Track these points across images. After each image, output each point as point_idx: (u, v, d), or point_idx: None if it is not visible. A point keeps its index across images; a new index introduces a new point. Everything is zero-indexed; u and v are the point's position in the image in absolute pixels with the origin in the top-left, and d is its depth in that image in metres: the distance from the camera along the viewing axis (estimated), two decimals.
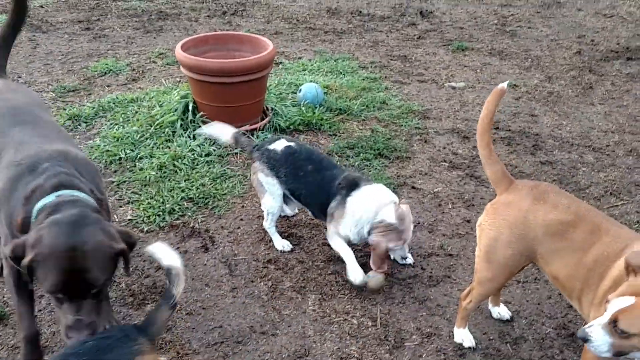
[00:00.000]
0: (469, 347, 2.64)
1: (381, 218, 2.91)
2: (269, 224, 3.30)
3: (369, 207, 2.94)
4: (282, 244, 3.29)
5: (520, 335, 2.74)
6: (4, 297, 2.87)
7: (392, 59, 6.37)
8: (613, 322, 1.81)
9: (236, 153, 4.22)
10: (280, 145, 3.21)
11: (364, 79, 5.64)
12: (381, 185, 3.09)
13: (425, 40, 7.08)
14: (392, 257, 3.15)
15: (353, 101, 5.05)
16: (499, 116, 4.98)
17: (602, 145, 4.57)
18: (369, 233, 2.95)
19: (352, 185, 3.00)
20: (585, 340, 1.86)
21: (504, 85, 2.42)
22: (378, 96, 5.22)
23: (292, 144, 3.24)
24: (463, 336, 2.66)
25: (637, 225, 3.57)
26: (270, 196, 3.22)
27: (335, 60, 6.14)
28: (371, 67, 6.08)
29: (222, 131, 3.47)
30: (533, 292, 3.02)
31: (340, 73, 5.79)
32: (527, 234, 2.27)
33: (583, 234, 2.19)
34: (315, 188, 3.09)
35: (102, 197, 2.33)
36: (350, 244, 3.06)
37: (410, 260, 3.19)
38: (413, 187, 3.94)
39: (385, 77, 5.83)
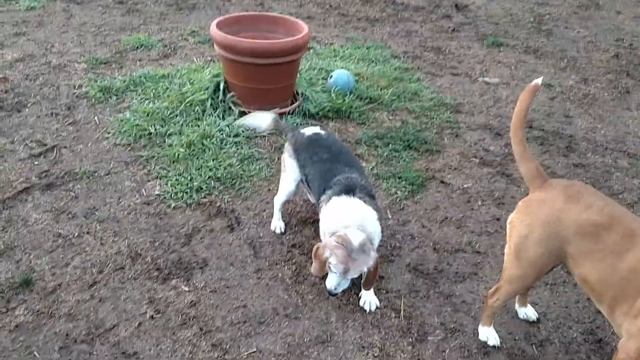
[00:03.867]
0: (494, 346, 2.60)
1: (347, 232, 2.61)
2: (276, 201, 3.29)
3: (345, 215, 2.68)
4: (276, 225, 3.29)
5: (546, 338, 2.69)
6: (30, 262, 2.90)
7: (425, 50, 6.28)
8: None
9: (264, 136, 4.19)
10: (310, 131, 3.17)
11: (396, 69, 5.56)
12: (374, 212, 2.74)
13: (460, 33, 6.96)
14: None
15: (384, 90, 4.99)
16: (532, 115, 4.89)
17: (638, 151, 4.46)
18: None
19: (347, 188, 2.77)
20: None
21: (539, 81, 2.37)
22: (410, 87, 5.14)
23: (321, 132, 3.18)
24: (488, 334, 2.62)
25: None
26: (287, 177, 3.20)
27: (367, 48, 6.06)
28: (404, 57, 6.00)
29: (262, 119, 3.47)
30: (561, 295, 2.96)
31: (372, 61, 5.72)
32: (559, 233, 2.21)
33: (617, 237, 2.12)
34: (319, 175, 2.94)
35: None
36: None
37: (371, 307, 2.79)
38: (442, 182, 3.88)
39: (418, 68, 5.74)
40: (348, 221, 2.66)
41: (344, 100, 4.64)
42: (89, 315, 2.62)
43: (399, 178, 3.84)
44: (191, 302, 2.74)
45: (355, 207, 2.71)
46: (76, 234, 3.12)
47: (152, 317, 2.64)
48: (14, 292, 2.71)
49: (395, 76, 5.36)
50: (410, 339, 2.63)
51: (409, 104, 4.87)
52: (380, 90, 5.01)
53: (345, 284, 2.67)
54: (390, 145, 4.21)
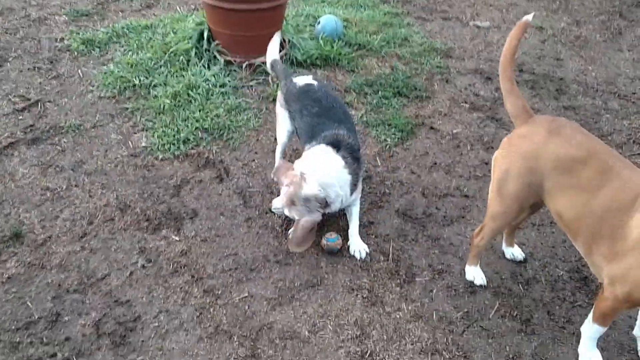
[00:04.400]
0: (480, 285, 2.65)
1: (309, 177, 2.59)
2: (277, 152, 3.29)
3: (319, 164, 2.64)
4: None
5: (532, 277, 2.74)
6: (19, 216, 2.90)
7: None
8: None
9: (251, 86, 4.13)
10: (302, 81, 3.07)
11: (385, 14, 5.43)
12: (348, 176, 2.68)
13: None
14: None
15: (373, 36, 4.89)
16: (523, 58, 4.82)
17: (628, 93, 4.43)
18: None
19: (333, 143, 2.71)
20: None
21: (529, 17, 2.34)
22: (399, 32, 5.04)
23: (314, 82, 3.04)
24: (474, 274, 2.67)
25: None
26: (280, 128, 3.17)
27: None
28: (393, 1, 5.85)
29: (269, 52, 3.37)
30: (548, 235, 3.00)
31: (361, 6, 5.58)
32: (537, 167, 2.22)
33: (591, 173, 2.11)
34: (307, 128, 2.87)
35: None
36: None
37: (361, 254, 2.78)
38: (431, 128, 3.86)
39: (408, 12, 5.61)
40: (318, 169, 2.62)
41: (332, 47, 4.54)
42: (80, 266, 2.64)
43: (389, 125, 3.82)
44: (182, 251, 2.77)
45: (332, 163, 2.65)
46: (64, 187, 3.11)
47: (143, 266, 2.66)
48: (4, 245, 2.72)
49: (385, 21, 5.25)
50: (398, 281, 2.68)
51: (398, 50, 4.79)
52: (370, 36, 4.91)
53: (283, 212, 2.75)
54: (379, 92, 4.16)
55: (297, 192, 2.58)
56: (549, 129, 2.25)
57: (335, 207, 2.71)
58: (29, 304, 2.44)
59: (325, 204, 2.63)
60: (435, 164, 3.52)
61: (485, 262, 2.78)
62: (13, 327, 2.34)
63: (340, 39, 4.73)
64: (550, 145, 2.20)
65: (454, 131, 3.83)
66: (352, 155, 2.73)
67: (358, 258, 2.79)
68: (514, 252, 2.82)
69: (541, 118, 2.35)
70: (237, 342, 2.33)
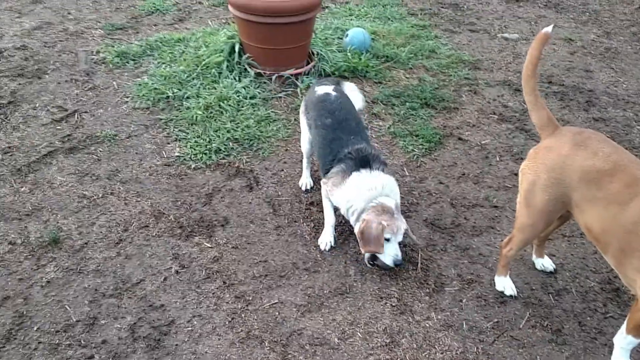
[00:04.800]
0: (510, 295, 2.64)
1: (380, 202, 2.67)
2: (303, 162, 3.33)
3: (371, 190, 2.68)
4: (303, 182, 3.35)
5: (563, 288, 2.72)
6: (57, 222, 3.00)
7: (442, 7, 6.15)
8: None
9: (280, 97, 4.20)
10: (322, 89, 3.13)
11: (412, 26, 5.48)
12: (393, 178, 2.81)
13: None
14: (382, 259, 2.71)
15: (401, 48, 4.93)
16: (552, 70, 4.80)
17: None
18: (359, 216, 2.70)
19: (362, 161, 2.75)
20: None
21: (549, 29, 2.35)
22: (427, 44, 5.07)
23: (331, 93, 3.06)
24: (504, 284, 2.66)
25: None
26: (302, 136, 3.23)
27: (383, 6, 5.96)
28: (421, 14, 5.89)
29: None
30: (578, 246, 2.97)
31: (389, 19, 5.64)
32: (564, 179, 2.21)
33: (619, 186, 2.09)
34: (324, 143, 2.89)
35: None
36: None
37: (397, 258, 2.68)
38: (460, 139, 3.87)
39: (435, 25, 5.65)
40: (375, 194, 2.68)
41: (360, 59, 4.60)
42: (116, 272, 2.72)
43: (416, 136, 3.84)
44: (214, 257, 2.83)
45: (378, 179, 2.71)
46: (100, 195, 3.21)
47: (177, 272, 2.73)
48: (43, 250, 2.82)
49: (412, 34, 5.29)
50: (428, 290, 2.68)
51: (426, 62, 4.82)
52: (397, 48, 4.95)
53: (400, 251, 2.68)
54: (407, 103, 4.19)
55: (391, 210, 2.64)
56: (575, 140, 2.24)
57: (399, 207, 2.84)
58: (68, 308, 2.52)
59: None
60: (464, 174, 3.52)
61: (516, 273, 2.77)
62: (52, 330, 2.42)
63: (368, 51, 4.78)
64: (577, 158, 2.20)
65: (483, 142, 3.83)
66: (382, 163, 2.82)
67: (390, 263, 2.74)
68: (544, 263, 2.80)
69: (567, 129, 2.35)
70: (268, 348, 2.37)
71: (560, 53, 5.14)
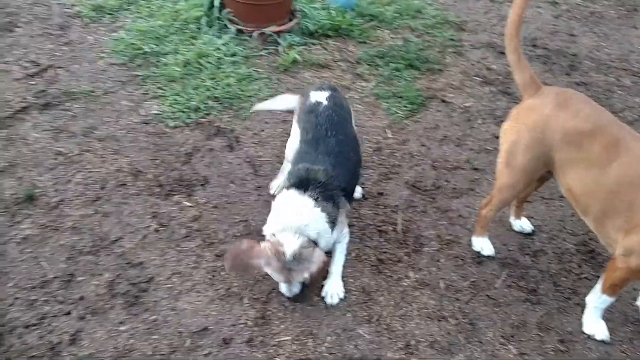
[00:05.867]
0: (488, 256, 2.68)
1: (282, 237, 2.29)
2: (282, 169, 2.94)
3: (287, 217, 2.33)
4: (274, 184, 2.97)
5: (540, 249, 2.77)
6: (32, 179, 2.93)
7: None
8: None
9: (262, 55, 4.11)
10: (315, 97, 2.71)
11: None
12: (322, 214, 2.34)
13: None
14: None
15: (386, 7, 4.84)
16: (536, 34, 4.77)
17: None
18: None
19: (302, 182, 2.39)
20: None
21: None
22: (413, 4, 4.98)
23: (323, 102, 2.67)
24: (482, 245, 2.70)
25: None
26: (290, 139, 2.77)
27: None
28: None
29: (287, 101, 3.01)
30: (557, 209, 3.02)
31: None
32: (545, 138, 2.23)
33: (600, 147, 2.11)
34: (296, 155, 2.57)
35: None
36: None
37: (332, 299, 2.44)
38: (443, 101, 3.85)
39: None
40: (287, 222, 2.31)
41: (344, 18, 4.51)
42: (93, 229, 2.69)
43: (400, 97, 3.81)
44: (194, 216, 2.80)
45: (299, 208, 2.33)
46: (76, 152, 3.14)
47: (156, 230, 2.70)
48: (18, 207, 2.76)
49: None
50: (406, 250, 2.71)
51: (411, 22, 4.75)
52: (382, 7, 4.86)
53: (297, 287, 2.38)
54: (391, 64, 4.14)
55: (283, 259, 2.25)
56: (557, 100, 2.25)
57: (322, 244, 2.38)
58: (44, 264, 2.49)
59: (315, 243, 2.33)
60: (446, 137, 3.52)
61: (494, 234, 2.81)
62: (29, 286, 2.39)
63: (353, 9, 4.69)
64: (559, 118, 2.21)
65: (465, 105, 3.82)
66: (323, 194, 2.38)
67: (328, 303, 2.42)
68: (522, 224, 2.84)
69: (550, 89, 2.35)
70: (247, 304, 2.38)
71: (545, 16, 5.10)
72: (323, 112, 2.62)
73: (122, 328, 2.26)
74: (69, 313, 2.29)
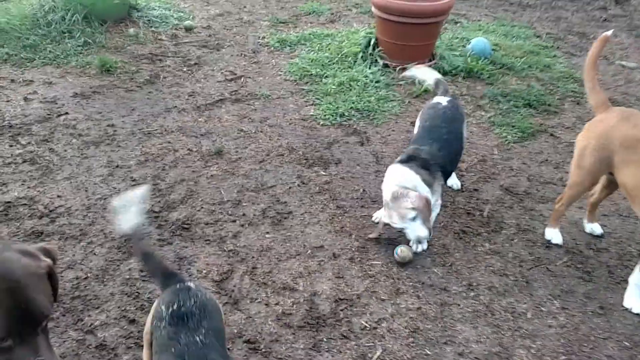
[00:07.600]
0: (556, 244, 3.21)
1: (384, 191, 3.05)
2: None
3: (389, 183, 3.05)
4: None
5: (605, 247, 3.22)
6: (222, 143, 4.11)
7: (569, 34, 6.61)
8: None
9: (400, 84, 5.06)
10: (436, 99, 3.48)
11: (535, 45, 6.04)
12: (416, 175, 3.01)
13: (611, 23, 7.10)
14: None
15: (517, 59, 5.54)
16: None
17: None
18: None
19: (407, 158, 3.09)
20: None
21: (609, 33, 2.95)
22: (544, 60, 5.62)
23: (441, 102, 3.40)
24: (553, 234, 3.24)
25: None
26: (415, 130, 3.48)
27: (512, 27, 6.58)
28: (546, 37, 6.41)
29: (426, 75, 3.92)
30: (630, 224, 3.43)
31: (514, 37, 6.26)
32: (608, 144, 2.79)
33: None
34: (414, 139, 3.30)
35: None
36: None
37: (421, 248, 3.12)
38: (552, 135, 4.42)
39: (558, 47, 6.15)
40: (389, 182, 3.07)
41: (477, 63, 5.30)
42: (257, 178, 3.74)
43: (513, 127, 4.47)
44: (325, 181, 3.74)
45: (398, 174, 3.04)
46: (253, 131, 4.29)
47: (298, 185, 3.68)
48: (210, 157, 3.94)
49: (532, 50, 5.86)
50: (487, 229, 3.35)
51: (539, 74, 5.38)
52: (514, 59, 5.57)
53: (420, 231, 2.96)
54: (511, 102, 4.82)
55: (386, 202, 3.02)
56: (621, 115, 2.83)
57: (420, 190, 3.01)
58: (222, 192, 3.58)
59: (413, 189, 2.98)
60: (547, 160, 4.09)
61: (566, 231, 3.33)
62: (211, 202, 3.48)
63: (487, 58, 5.46)
64: (620, 128, 2.78)
65: (573, 140, 4.32)
66: (421, 164, 3.06)
67: (413, 250, 3.08)
68: (593, 227, 3.32)
69: (617, 108, 2.94)
70: (354, 238, 3.22)
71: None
72: (441, 109, 3.37)
73: (267, 236, 3.22)
74: (234, 221, 3.32)
